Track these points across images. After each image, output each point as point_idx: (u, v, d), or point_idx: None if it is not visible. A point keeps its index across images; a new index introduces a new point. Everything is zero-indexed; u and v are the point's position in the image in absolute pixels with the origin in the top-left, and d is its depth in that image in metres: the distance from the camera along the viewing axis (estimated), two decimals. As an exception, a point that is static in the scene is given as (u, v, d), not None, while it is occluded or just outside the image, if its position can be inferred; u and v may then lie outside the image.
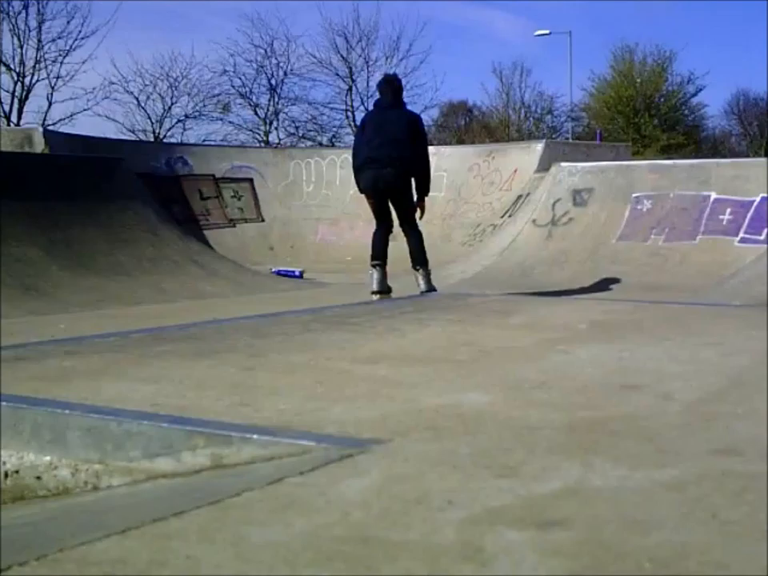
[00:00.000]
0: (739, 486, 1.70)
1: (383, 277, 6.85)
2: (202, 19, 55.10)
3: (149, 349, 3.69)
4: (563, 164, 10.74)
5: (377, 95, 7.36)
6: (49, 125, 27.12)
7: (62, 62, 28.86)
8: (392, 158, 6.56)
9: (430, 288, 6.91)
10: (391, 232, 6.99)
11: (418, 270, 6.95)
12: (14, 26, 28.01)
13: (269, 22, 39.91)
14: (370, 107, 34.20)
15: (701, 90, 39.82)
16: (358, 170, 6.76)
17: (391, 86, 7.07)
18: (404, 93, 7.38)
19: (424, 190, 6.91)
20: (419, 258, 6.92)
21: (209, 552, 1.39)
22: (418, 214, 7.01)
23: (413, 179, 6.84)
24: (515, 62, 48.26)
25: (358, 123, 7.50)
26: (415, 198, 6.97)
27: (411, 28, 64.88)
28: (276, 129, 33.60)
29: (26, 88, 28.79)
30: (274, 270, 11.02)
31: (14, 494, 2.28)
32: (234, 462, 2.07)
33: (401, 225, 6.96)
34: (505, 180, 13.55)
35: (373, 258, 6.89)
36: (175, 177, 14.40)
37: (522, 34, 73.26)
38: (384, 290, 6.81)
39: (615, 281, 8.47)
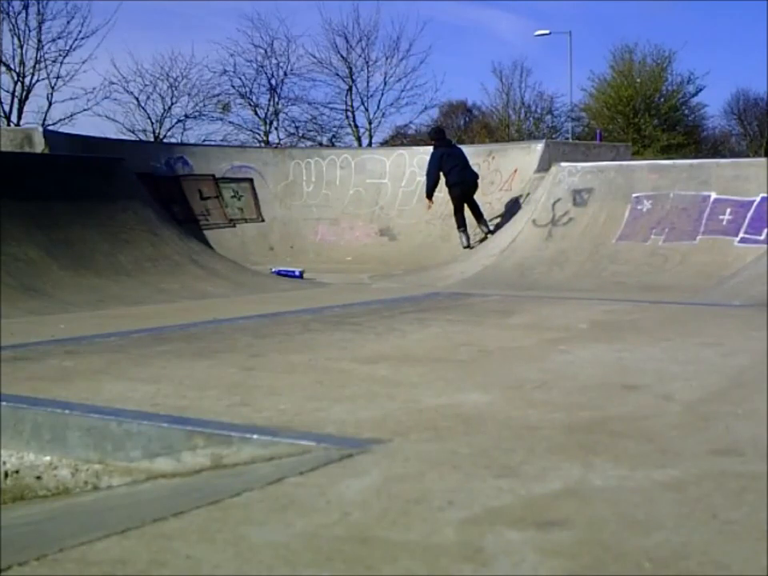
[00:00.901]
0: (739, 485, 1.70)
1: (468, 237, 11.77)
2: (202, 19, 55.17)
3: (149, 349, 3.69)
4: (563, 164, 10.73)
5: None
6: (49, 125, 27.07)
7: (62, 62, 28.77)
8: (468, 179, 11.86)
9: (488, 230, 11.71)
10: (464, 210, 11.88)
11: (480, 221, 11.85)
12: (14, 25, 27.93)
13: (269, 22, 39.77)
14: (370, 107, 34.55)
15: (701, 90, 39.76)
16: (449, 186, 11.81)
17: (442, 133, 12.86)
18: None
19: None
20: (479, 215, 11.90)
21: (209, 552, 1.39)
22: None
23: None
24: (515, 62, 48.36)
25: (432, 157, 12.17)
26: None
27: (411, 28, 64.81)
28: (276, 129, 33.53)
29: (25, 88, 28.72)
30: (274, 270, 10.99)
31: (14, 494, 2.28)
32: (234, 462, 2.07)
33: (469, 209, 11.88)
34: (505, 180, 13.53)
35: (459, 226, 11.86)
36: (175, 177, 14.38)
37: (522, 34, 73.37)
38: (471, 245, 11.63)
39: (615, 281, 8.46)
